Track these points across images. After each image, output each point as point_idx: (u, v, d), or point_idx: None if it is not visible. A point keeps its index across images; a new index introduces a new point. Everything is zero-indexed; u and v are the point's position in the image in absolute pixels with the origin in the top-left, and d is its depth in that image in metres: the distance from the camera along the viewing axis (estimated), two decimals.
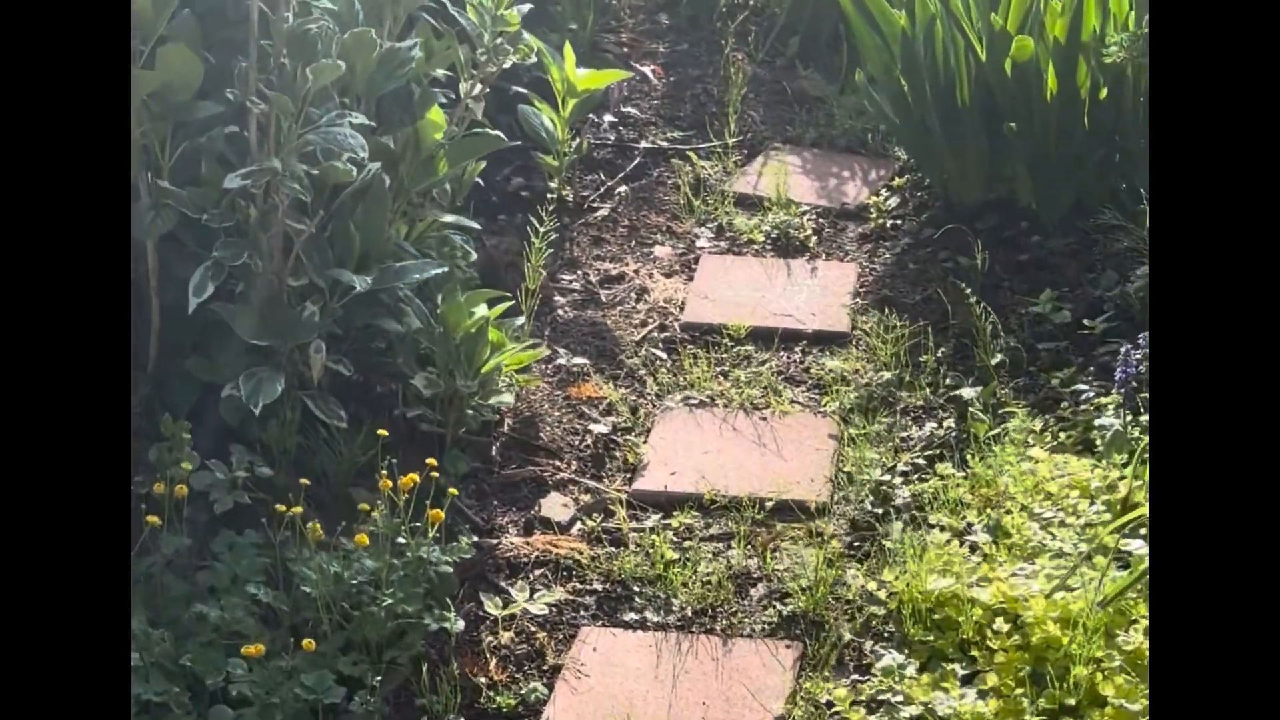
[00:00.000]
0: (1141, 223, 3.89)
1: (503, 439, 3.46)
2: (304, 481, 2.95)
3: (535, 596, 2.95)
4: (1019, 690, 2.49)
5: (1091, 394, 3.25)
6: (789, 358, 3.78)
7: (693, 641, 2.85)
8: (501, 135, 3.49)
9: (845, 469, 3.31)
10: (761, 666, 2.77)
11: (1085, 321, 3.53)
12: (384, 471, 2.88)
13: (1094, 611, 2.52)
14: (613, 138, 4.90)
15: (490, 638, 2.87)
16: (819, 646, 2.79)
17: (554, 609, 2.95)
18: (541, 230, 3.82)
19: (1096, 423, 3.07)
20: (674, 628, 2.89)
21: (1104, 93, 3.94)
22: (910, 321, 3.78)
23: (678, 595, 2.96)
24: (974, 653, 2.62)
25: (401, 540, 2.81)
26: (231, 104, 2.96)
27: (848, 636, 2.80)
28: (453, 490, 2.97)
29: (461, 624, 2.83)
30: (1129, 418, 3.02)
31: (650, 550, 3.08)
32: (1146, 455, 2.71)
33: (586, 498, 3.31)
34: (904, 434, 3.38)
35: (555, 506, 3.28)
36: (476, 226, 3.56)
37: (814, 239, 4.31)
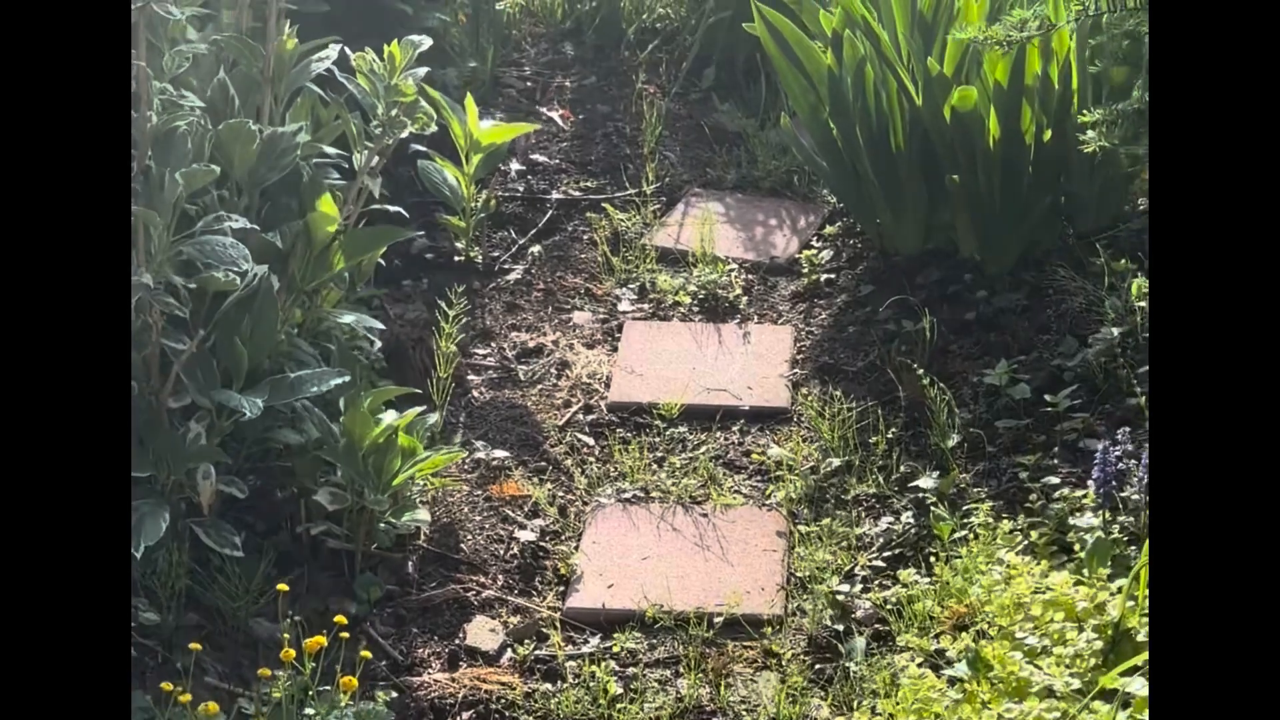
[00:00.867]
0: (1090, 277, 3.64)
1: (419, 553, 3.13)
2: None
3: None
4: None
5: (1061, 485, 2.99)
6: (727, 439, 3.49)
7: None
8: (402, 225, 3.16)
9: (798, 573, 3.02)
10: None
11: (1047, 397, 3.26)
12: (285, 629, 2.55)
13: None
14: (521, 188, 4.57)
15: None
16: None
17: None
18: (451, 313, 3.49)
19: (1072, 522, 2.81)
20: None
21: (1048, 135, 3.69)
22: (854, 395, 3.51)
23: None
24: None
25: (310, 712, 2.48)
26: None
27: None
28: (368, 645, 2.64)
29: None
30: (1107, 517, 2.76)
31: (590, 684, 2.77)
32: (1140, 572, 2.45)
33: (516, 619, 2.99)
34: (858, 530, 3.10)
35: (482, 632, 2.96)
36: (379, 326, 3.22)
37: (744, 299, 4.02)
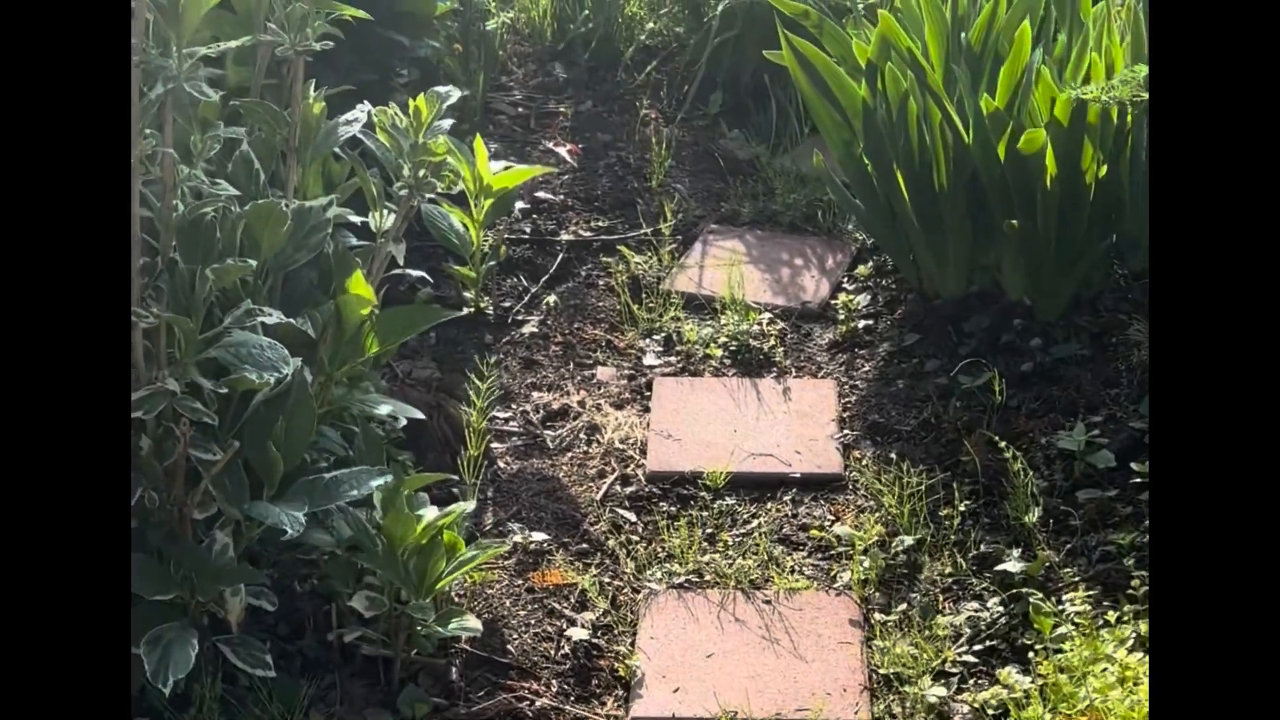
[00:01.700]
0: None
1: (463, 656, 2.86)
2: None
3: None
4: None
5: None
6: (779, 511, 3.24)
7: None
8: (439, 307, 2.87)
9: (881, 670, 2.78)
10: None
11: (1133, 465, 3.04)
12: None
13: None
14: (528, 230, 4.29)
15: None
16: None
17: None
18: (483, 386, 3.22)
19: None
20: None
21: (1103, 170, 3.47)
22: (912, 459, 3.27)
23: None
24: None
25: None
26: None
27: None
28: None
29: None
30: None
31: None
32: None
33: None
34: (941, 619, 2.87)
35: None
36: (420, 415, 2.94)
37: (779, 350, 3.77)
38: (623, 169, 4.63)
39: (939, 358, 3.61)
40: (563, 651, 2.91)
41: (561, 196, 4.47)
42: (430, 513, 2.75)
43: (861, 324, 3.82)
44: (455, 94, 2.92)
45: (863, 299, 3.90)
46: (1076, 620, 2.69)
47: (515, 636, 2.93)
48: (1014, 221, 3.43)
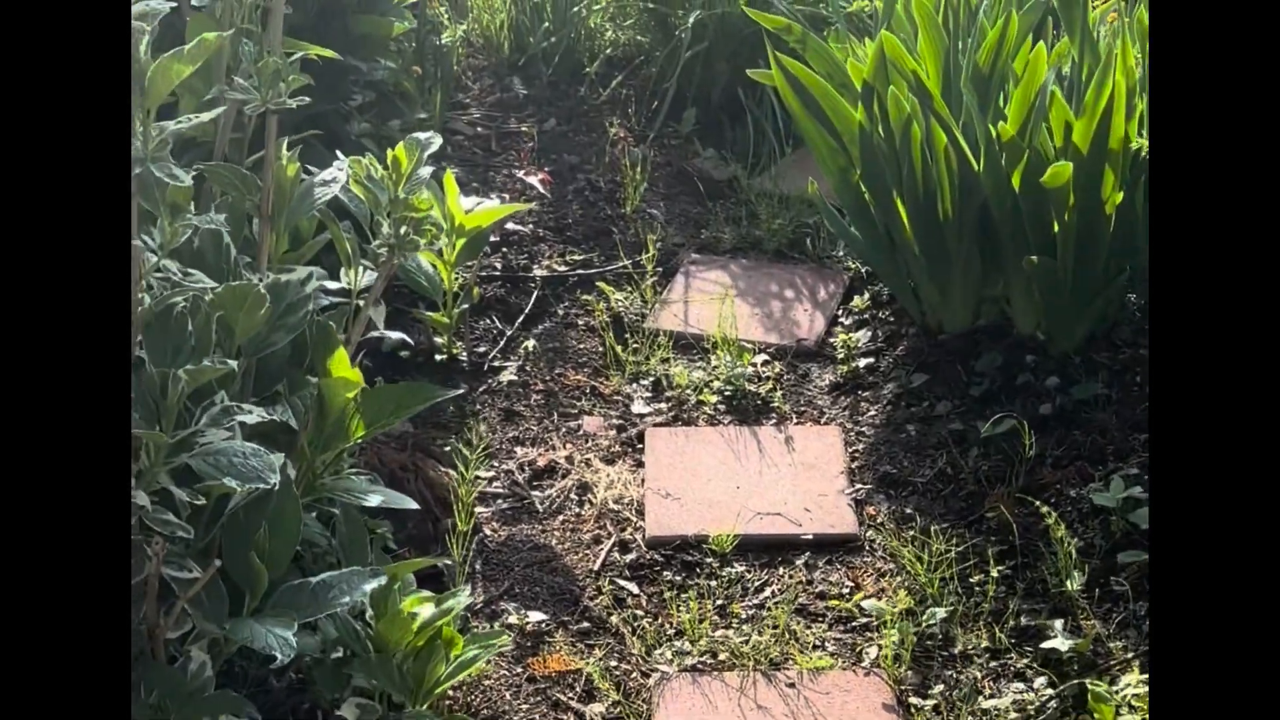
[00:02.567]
0: None
1: None
2: None
3: None
4: None
5: None
6: (793, 577, 3.01)
7: None
8: (431, 385, 2.60)
9: None
10: None
11: None
12: None
13: None
14: (499, 265, 4.03)
15: None
16: None
17: None
18: (471, 456, 2.96)
19: None
20: None
21: (1119, 197, 3.26)
22: (931, 515, 3.06)
23: None
24: None
25: None
26: None
27: None
28: None
29: None
30: None
31: None
32: None
33: None
34: (985, 703, 2.64)
35: None
36: (414, 506, 2.67)
37: (777, 393, 3.53)
38: (594, 194, 4.37)
39: (950, 399, 3.39)
40: None
41: (531, 227, 4.21)
42: (425, 610, 2.49)
43: (863, 362, 3.59)
44: (437, 141, 2.65)
45: (862, 335, 3.67)
46: (1135, 704, 2.48)
47: None
48: (1034, 258, 3.21)
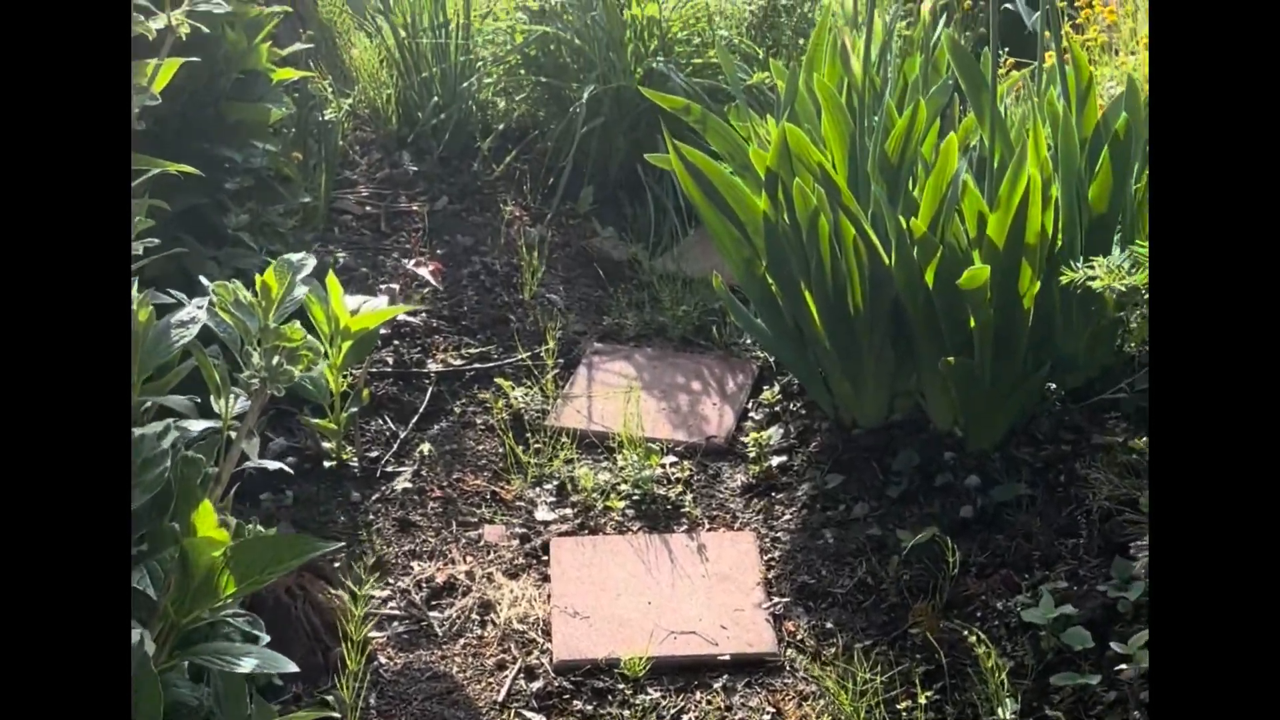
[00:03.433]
0: (1097, 452, 3.12)
1: None
2: None
3: None
4: None
5: None
6: (711, 703, 2.84)
7: None
8: (310, 538, 2.38)
9: None
10: None
11: (1115, 646, 2.68)
12: None
13: None
14: (391, 361, 3.82)
15: None
16: None
17: None
18: (360, 591, 2.76)
19: None
20: None
21: (1036, 286, 3.14)
22: (851, 630, 2.91)
23: None
24: None
25: None
26: None
27: None
28: None
29: None
30: None
31: None
32: None
33: None
34: None
35: None
36: (293, 668, 2.46)
37: (688, 497, 3.37)
38: (490, 278, 4.19)
39: (867, 499, 3.25)
40: None
41: (424, 317, 4.01)
42: None
43: (775, 461, 3.44)
44: (310, 263, 2.47)
45: (774, 431, 3.52)
46: None
47: None
48: (950, 359, 3.08)
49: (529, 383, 3.73)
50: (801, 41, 4.55)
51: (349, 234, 4.39)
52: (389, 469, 3.48)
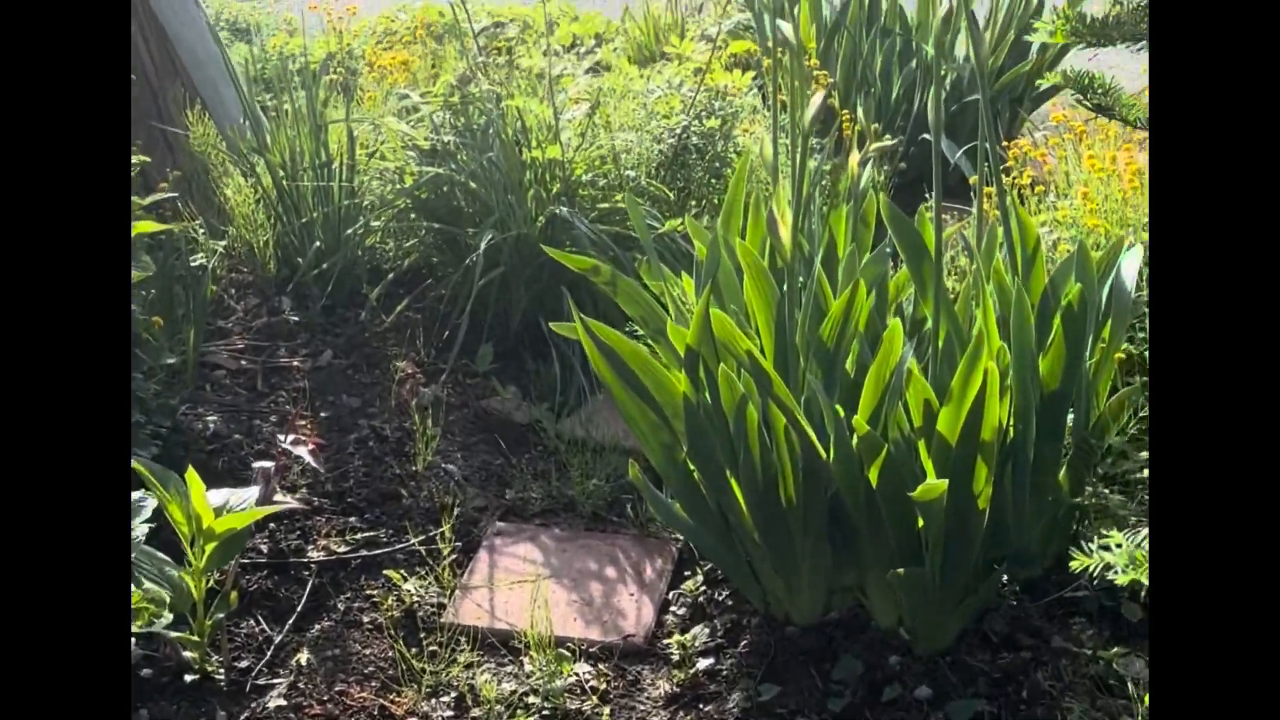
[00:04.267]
0: (1058, 656, 2.82)
1: None
2: None
3: None
4: None
5: None
6: None
7: None
8: None
9: None
10: None
11: None
12: None
13: None
14: (265, 549, 3.41)
15: None
16: None
17: None
18: None
19: None
20: None
21: (991, 487, 2.83)
22: None
23: None
24: None
25: None
26: None
27: None
28: None
29: None
30: None
31: None
32: None
33: None
34: None
35: None
36: None
37: (605, 710, 2.99)
38: (379, 445, 3.80)
39: (807, 714, 2.90)
40: None
41: (305, 492, 3.61)
42: None
43: (702, 664, 3.07)
44: (150, 504, 2.09)
45: (699, 631, 3.15)
46: None
47: None
48: (900, 571, 2.76)
49: (423, 571, 3.35)
50: (714, 181, 4.27)
51: (221, 393, 3.98)
52: (260, 681, 3.06)
